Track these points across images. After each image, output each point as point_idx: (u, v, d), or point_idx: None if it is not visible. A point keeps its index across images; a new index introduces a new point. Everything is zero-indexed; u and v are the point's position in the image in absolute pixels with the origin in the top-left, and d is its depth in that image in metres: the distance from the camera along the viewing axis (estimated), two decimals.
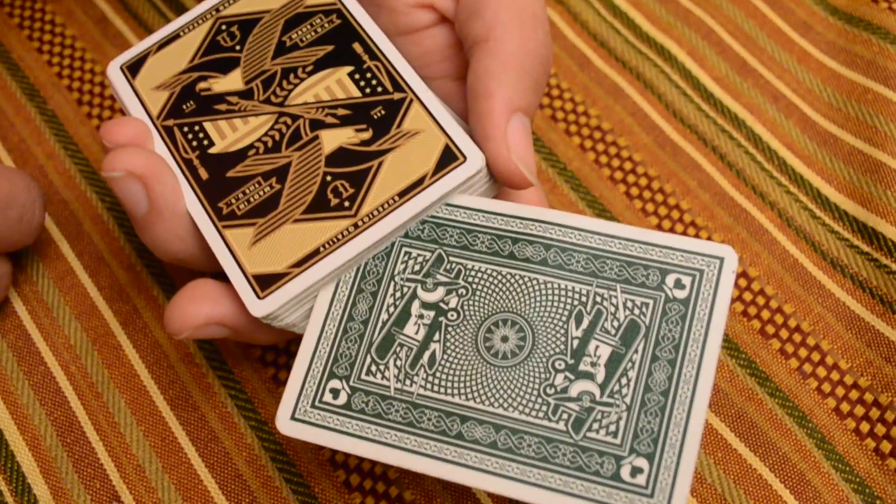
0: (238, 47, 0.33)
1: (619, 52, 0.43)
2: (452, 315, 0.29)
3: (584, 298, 0.29)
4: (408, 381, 0.29)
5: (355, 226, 0.29)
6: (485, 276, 0.30)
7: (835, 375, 0.36)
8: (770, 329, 0.37)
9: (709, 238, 0.39)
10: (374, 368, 0.29)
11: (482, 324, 0.29)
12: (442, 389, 0.28)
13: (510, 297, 0.29)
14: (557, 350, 0.28)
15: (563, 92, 0.42)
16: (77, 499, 0.35)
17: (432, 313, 0.30)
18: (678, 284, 0.28)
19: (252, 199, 0.30)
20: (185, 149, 0.32)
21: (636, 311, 0.28)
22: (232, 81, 0.32)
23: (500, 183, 0.32)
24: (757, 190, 0.40)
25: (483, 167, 0.30)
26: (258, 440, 0.36)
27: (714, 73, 0.43)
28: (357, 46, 0.32)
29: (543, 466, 0.27)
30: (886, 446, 0.34)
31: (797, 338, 0.37)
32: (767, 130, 0.41)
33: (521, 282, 0.29)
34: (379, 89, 0.31)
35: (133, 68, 0.34)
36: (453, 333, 0.29)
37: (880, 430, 0.35)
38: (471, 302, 0.29)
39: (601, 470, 0.26)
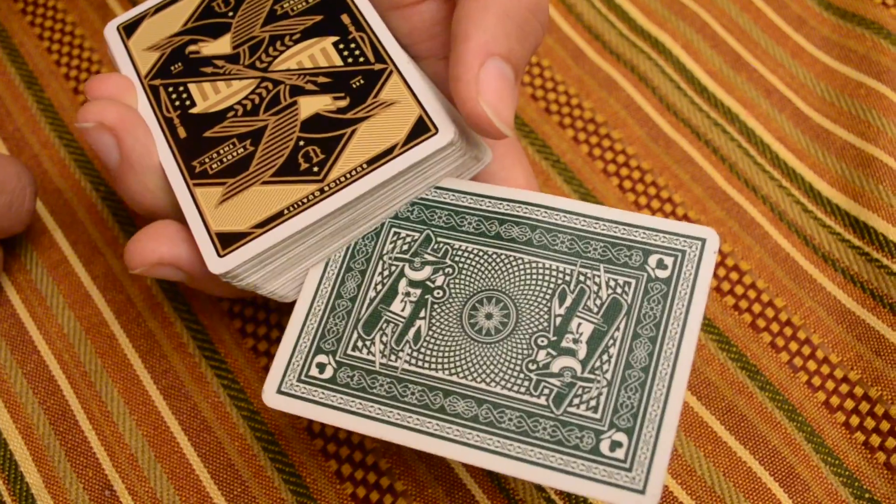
0: (231, 13, 0.34)
1: (614, 46, 0.43)
2: (438, 293, 0.30)
3: (567, 277, 0.29)
4: (393, 357, 0.29)
5: (321, 191, 0.30)
6: (471, 256, 0.30)
7: (825, 369, 0.36)
8: (761, 322, 0.37)
9: None
10: (360, 344, 0.29)
11: (467, 301, 0.30)
12: (426, 364, 0.29)
13: (495, 275, 0.30)
14: (540, 327, 0.29)
15: (556, 84, 0.43)
16: (69, 487, 0.35)
17: (419, 291, 0.30)
18: (660, 265, 0.29)
19: (225, 160, 0.31)
20: (167, 108, 0.32)
21: (619, 290, 0.29)
22: (220, 46, 0.33)
23: (479, 158, 0.32)
24: (749, 184, 0.40)
25: (455, 140, 0.30)
26: (250, 430, 0.36)
27: (708, 66, 0.43)
28: (345, 18, 0.33)
29: (524, 440, 0.27)
30: (876, 440, 0.35)
31: (788, 331, 0.37)
32: (760, 124, 0.41)
33: (506, 261, 0.30)
34: (361, 59, 0.32)
35: (129, 29, 0.34)
36: (439, 310, 0.30)
37: (870, 423, 0.35)
38: (457, 280, 0.30)
39: (581, 444, 0.27)
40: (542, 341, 0.28)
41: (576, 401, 0.27)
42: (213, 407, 0.36)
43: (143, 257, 0.31)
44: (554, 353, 0.28)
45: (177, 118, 0.32)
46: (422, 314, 0.30)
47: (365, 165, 0.30)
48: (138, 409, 0.36)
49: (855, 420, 0.35)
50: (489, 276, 0.30)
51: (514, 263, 0.30)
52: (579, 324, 0.28)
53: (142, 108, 0.32)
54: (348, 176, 0.30)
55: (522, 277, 0.30)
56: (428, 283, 0.30)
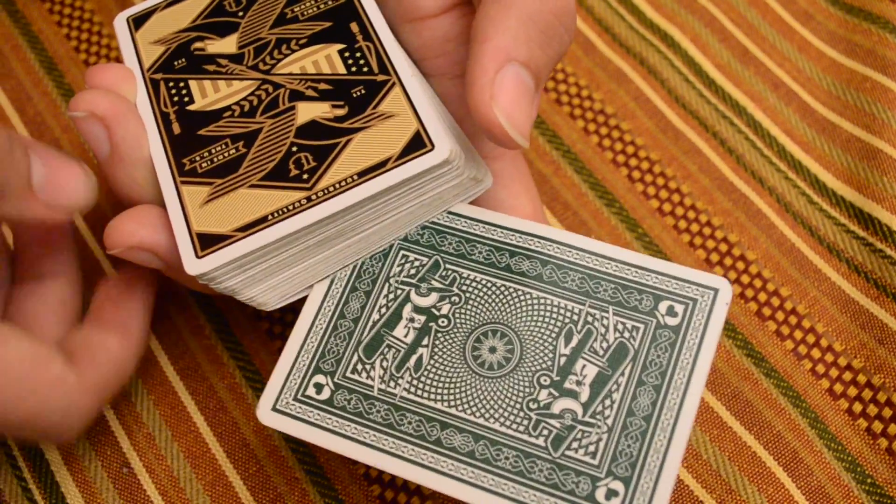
0: (241, 13, 0.33)
1: (624, 38, 0.44)
2: (443, 321, 0.29)
3: (575, 317, 0.29)
4: (392, 383, 0.29)
5: (308, 199, 0.29)
6: (479, 286, 0.30)
7: (829, 357, 0.37)
8: (767, 311, 0.38)
9: (708, 222, 0.39)
10: (360, 367, 0.29)
11: (472, 333, 0.29)
12: (425, 394, 0.28)
13: (502, 308, 0.29)
14: (544, 366, 0.28)
15: (567, 76, 0.43)
16: (88, 464, 0.36)
17: (423, 318, 0.30)
18: (670, 311, 0.28)
19: (216, 160, 0.30)
20: (165, 102, 0.32)
21: (626, 334, 0.28)
22: (226, 45, 0.33)
23: (478, 180, 0.31)
24: (756, 175, 0.40)
25: (452, 159, 0.29)
26: None
27: (716, 60, 0.43)
28: (354, 26, 0.32)
29: (519, 480, 0.27)
30: (878, 426, 0.35)
31: (793, 320, 0.37)
32: (767, 117, 0.42)
33: (514, 295, 0.30)
34: (365, 69, 0.31)
35: (138, 21, 0.34)
36: (442, 339, 0.29)
37: (872, 410, 0.36)
38: (463, 310, 0.30)
39: (576, 489, 0.26)
40: (545, 380, 0.28)
41: (574, 444, 0.27)
42: (228, 388, 0.37)
43: (122, 238, 0.30)
44: (556, 393, 0.28)
45: (173, 113, 0.32)
46: (425, 342, 0.29)
47: (356, 177, 0.29)
48: (155, 389, 0.37)
49: (858, 407, 0.36)
50: (496, 308, 0.29)
51: (522, 298, 0.29)
52: (584, 365, 0.28)
53: (140, 100, 0.32)
54: (338, 186, 0.29)
55: (529, 313, 0.29)
56: (433, 310, 0.30)
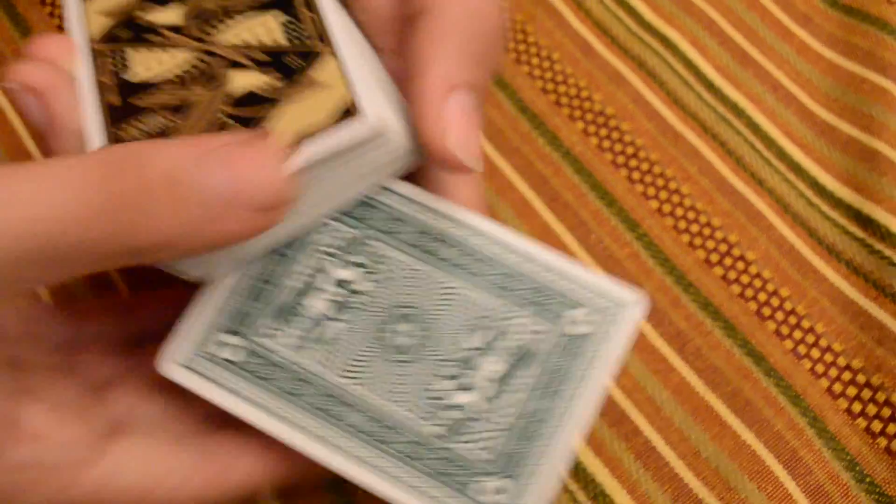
0: None
1: (622, 41, 0.44)
2: (360, 297, 0.29)
3: (488, 314, 0.28)
4: (301, 352, 0.28)
5: None
6: (400, 267, 0.29)
7: (828, 357, 0.37)
8: (766, 311, 0.38)
9: (707, 223, 0.40)
10: (271, 332, 0.28)
11: (386, 313, 0.29)
12: (332, 368, 0.28)
13: (420, 294, 0.29)
14: (451, 357, 0.28)
15: (567, 77, 0.43)
16: None
17: (340, 290, 0.29)
18: (581, 320, 0.28)
19: (148, 131, 0.30)
20: (104, 73, 0.31)
21: (535, 338, 0.28)
22: (171, 15, 0.32)
23: (416, 154, 0.30)
24: (756, 176, 0.41)
25: (383, 131, 0.28)
26: None
27: (715, 62, 0.43)
28: None
29: (410, 464, 0.27)
30: (877, 426, 0.35)
31: (792, 320, 0.38)
32: (767, 119, 0.42)
33: (433, 282, 0.29)
34: (305, 41, 0.31)
35: None
36: (356, 316, 0.29)
37: (871, 410, 0.36)
38: (381, 289, 0.29)
39: (466, 482, 0.26)
40: (449, 372, 0.28)
41: (468, 438, 0.27)
42: None
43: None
44: (458, 386, 0.28)
45: (111, 84, 0.31)
46: (339, 315, 0.29)
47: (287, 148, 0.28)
48: None
49: (857, 407, 0.36)
50: (413, 292, 0.29)
51: (440, 286, 0.29)
52: (488, 362, 0.28)
53: (82, 71, 0.32)
54: None
55: (445, 303, 0.29)
56: (352, 284, 0.29)
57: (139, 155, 0.24)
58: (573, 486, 0.35)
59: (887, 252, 0.38)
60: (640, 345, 0.37)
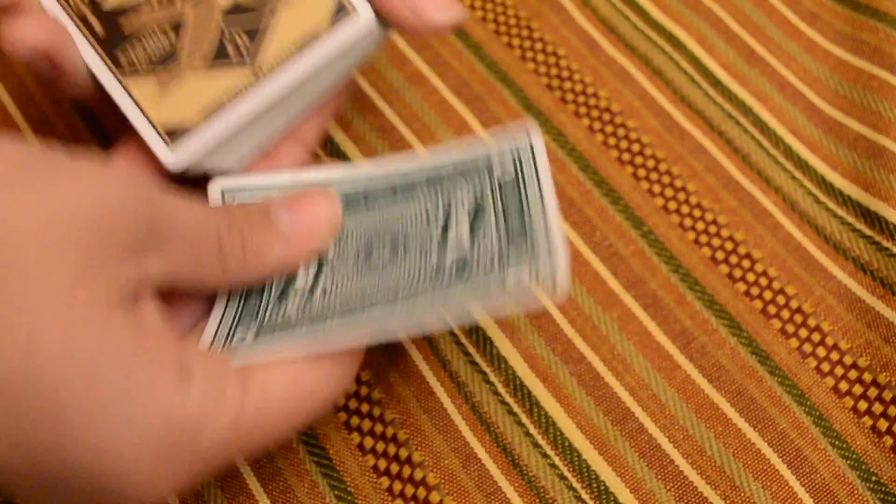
0: None
1: (629, 39, 0.44)
2: (331, 254, 0.31)
3: (433, 204, 0.32)
4: (307, 306, 0.30)
5: (256, 76, 0.31)
6: (351, 230, 0.32)
7: (834, 355, 0.37)
8: (772, 309, 0.38)
9: (713, 221, 0.39)
10: (275, 312, 0.30)
11: (358, 254, 0.31)
12: (338, 301, 0.30)
13: (376, 232, 0.32)
14: (427, 247, 0.31)
15: (573, 73, 0.43)
16: None
17: (315, 260, 0.31)
18: (502, 164, 0.32)
19: (151, 52, 0.31)
20: (77, 5, 0.32)
21: (479, 196, 0.31)
22: None
23: (387, 35, 0.33)
24: (762, 174, 0.40)
25: (371, 28, 0.32)
26: None
27: (722, 60, 0.43)
28: None
29: (443, 298, 0.29)
30: (883, 424, 0.35)
31: (798, 318, 0.37)
32: (774, 117, 0.42)
33: (380, 222, 0.32)
34: None
35: None
36: (336, 264, 0.31)
37: (878, 408, 0.35)
38: (344, 245, 0.32)
39: (490, 284, 0.29)
40: (432, 252, 0.30)
41: (474, 268, 0.29)
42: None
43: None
44: (444, 254, 0.30)
45: (90, 14, 0.31)
46: (323, 273, 0.31)
47: (294, 50, 0.31)
48: None
49: (863, 405, 0.36)
50: (370, 233, 0.32)
51: (386, 219, 0.32)
52: (456, 229, 0.31)
53: (50, 4, 0.32)
54: (280, 62, 0.31)
55: (397, 223, 0.32)
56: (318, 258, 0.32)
57: None
58: (577, 485, 0.34)
59: (895, 250, 0.37)
60: (645, 342, 0.37)
